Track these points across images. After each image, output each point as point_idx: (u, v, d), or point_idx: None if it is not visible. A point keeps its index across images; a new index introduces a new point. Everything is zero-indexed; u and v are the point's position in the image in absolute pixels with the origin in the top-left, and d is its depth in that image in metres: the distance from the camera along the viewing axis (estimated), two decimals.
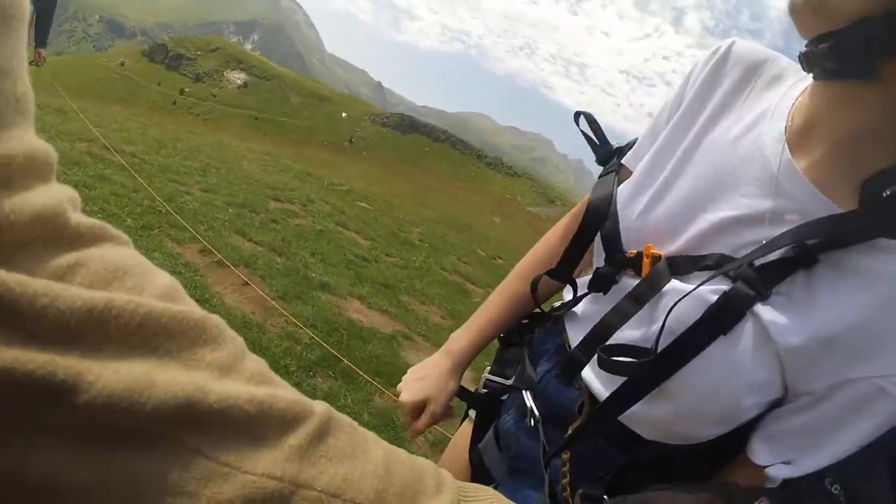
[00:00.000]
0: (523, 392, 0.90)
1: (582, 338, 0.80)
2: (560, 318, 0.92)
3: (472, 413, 1.07)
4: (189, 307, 0.32)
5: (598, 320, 0.78)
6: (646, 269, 0.75)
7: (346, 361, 4.10)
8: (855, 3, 0.54)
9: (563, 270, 0.90)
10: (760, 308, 0.64)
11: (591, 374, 0.79)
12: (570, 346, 0.85)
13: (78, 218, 0.32)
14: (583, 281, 0.88)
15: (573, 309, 0.88)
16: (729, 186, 0.70)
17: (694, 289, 0.67)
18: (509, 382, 1.00)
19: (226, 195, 6.95)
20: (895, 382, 0.59)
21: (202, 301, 3.92)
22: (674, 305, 0.67)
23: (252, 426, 0.31)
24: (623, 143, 0.93)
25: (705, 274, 0.68)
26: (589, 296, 0.86)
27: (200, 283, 4.17)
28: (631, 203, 0.80)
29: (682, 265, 0.72)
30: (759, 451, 0.67)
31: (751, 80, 0.75)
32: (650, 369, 0.68)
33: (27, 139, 0.28)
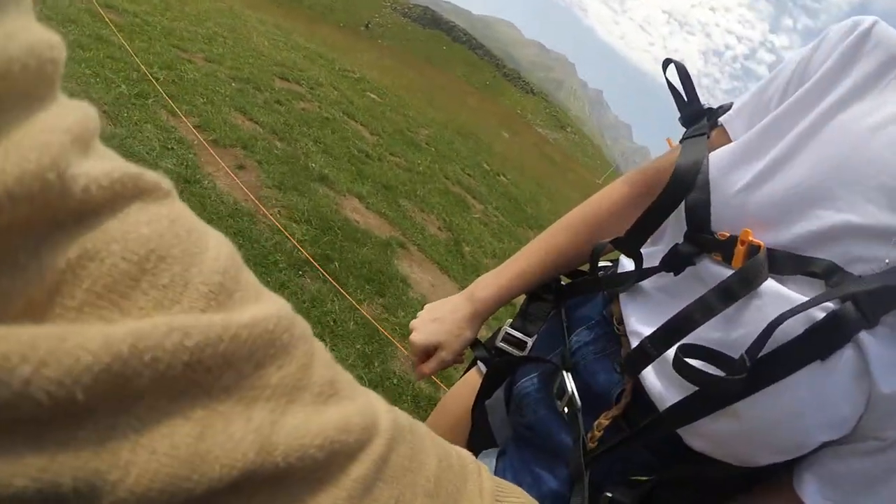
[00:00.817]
0: (563, 372, 0.78)
1: (654, 330, 0.67)
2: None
3: (482, 364, 0.99)
4: (257, 306, 0.25)
5: (667, 306, 0.69)
6: (739, 259, 0.63)
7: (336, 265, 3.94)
8: None
9: (631, 242, 0.77)
10: (865, 337, 0.56)
11: (653, 375, 0.68)
12: (618, 323, 0.76)
13: (89, 169, 0.20)
14: (647, 252, 0.77)
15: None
16: (854, 185, 0.59)
17: (807, 305, 0.56)
18: (529, 340, 0.93)
19: (230, 68, 6.55)
20: None
21: (192, 182, 3.69)
22: (780, 318, 0.56)
23: (319, 470, 0.26)
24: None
25: (807, 280, 0.60)
26: (655, 274, 0.74)
27: (192, 162, 3.92)
28: (729, 175, 0.67)
29: (783, 263, 0.61)
30: (809, 487, 0.61)
31: (893, 69, 0.63)
32: (738, 387, 0.58)
33: (23, 34, 0.18)
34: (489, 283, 0.95)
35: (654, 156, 0.98)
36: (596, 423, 0.72)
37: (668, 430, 0.66)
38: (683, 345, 0.62)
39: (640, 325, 0.72)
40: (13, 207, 0.17)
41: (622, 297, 0.77)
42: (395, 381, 3.05)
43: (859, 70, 0.64)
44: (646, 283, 0.75)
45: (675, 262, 0.71)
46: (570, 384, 0.77)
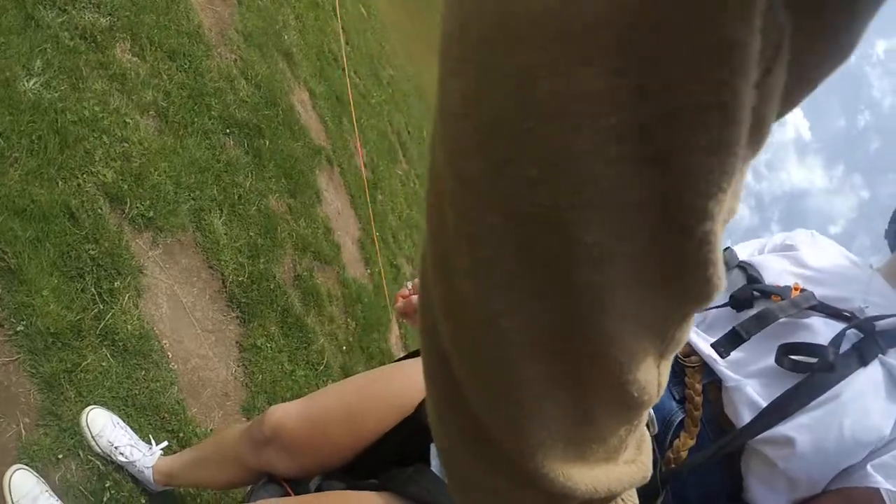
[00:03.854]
0: None
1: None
2: None
3: None
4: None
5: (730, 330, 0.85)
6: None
7: (266, 141, 3.67)
8: None
9: None
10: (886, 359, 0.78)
11: (737, 394, 0.80)
12: (683, 356, 0.87)
13: None
14: None
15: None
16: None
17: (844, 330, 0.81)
18: None
19: None
20: None
21: None
22: (841, 333, 0.79)
23: None
24: None
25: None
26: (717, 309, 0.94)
27: None
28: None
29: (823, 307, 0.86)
30: (875, 478, 0.73)
31: None
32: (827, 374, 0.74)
33: None
34: None
35: None
36: (678, 442, 0.79)
37: (754, 435, 0.75)
38: (783, 345, 0.79)
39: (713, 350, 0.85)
40: None
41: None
42: (272, 285, 2.87)
43: None
44: (712, 313, 0.93)
45: (741, 302, 0.90)
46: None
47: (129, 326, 1.76)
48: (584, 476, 0.28)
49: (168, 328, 2.03)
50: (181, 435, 1.84)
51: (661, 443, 0.78)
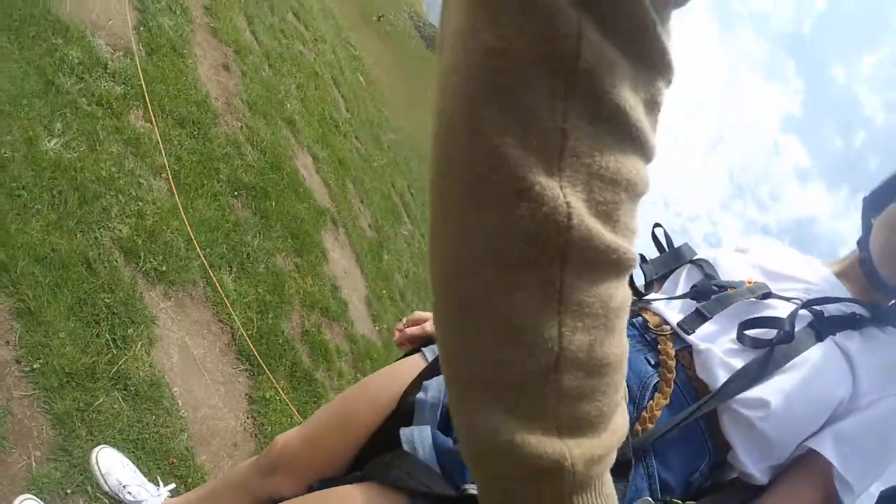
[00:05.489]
0: None
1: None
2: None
3: (428, 351, 0.99)
4: None
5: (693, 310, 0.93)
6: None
7: (273, 203, 3.79)
8: None
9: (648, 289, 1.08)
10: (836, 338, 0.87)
11: (707, 360, 0.86)
12: (654, 326, 0.93)
13: None
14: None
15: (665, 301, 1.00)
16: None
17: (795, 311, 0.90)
18: None
19: None
20: None
21: (177, 52, 3.47)
22: (804, 304, 0.90)
23: None
24: None
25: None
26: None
27: (186, 35, 3.70)
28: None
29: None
30: (825, 443, 0.81)
31: None
32: (787, 339, 0.83)
33: None
34: None
35: None
36: (652, 403, 0.82)
37: (730, 397, 0.80)
38: (743, 321, 0.87)
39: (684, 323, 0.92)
40: None
41: (659, 307, 0.96)
42: (280, 340, 2.91)
43: None
44: (677, 303, 0.98)
45: (702, 293, 0.95)
46: None
47: (140, 373, 1.81)
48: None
49: (179, 377, 2.08)
50: (189, 481, 1.86)
51: (638, 405, 0.82)
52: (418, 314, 1.08)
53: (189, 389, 2.12)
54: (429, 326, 1.03)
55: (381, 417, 0.91)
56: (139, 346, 1.87)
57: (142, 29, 3.17)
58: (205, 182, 3.15)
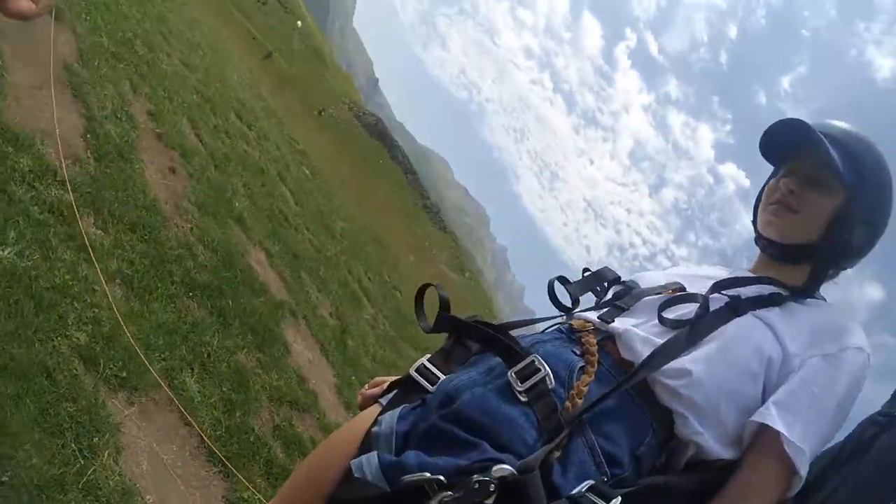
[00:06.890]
0: (535, 356, 0.87)
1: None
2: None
3: (383, 399, 1.01)
4: None
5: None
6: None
7: (229, 301, 3.75)
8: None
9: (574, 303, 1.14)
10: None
11: (630, 341, 0.93)
12: (578, 327, 0.98)
13: None
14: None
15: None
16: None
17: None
18: (442, 377, 0.96)
19: (199, 81, 6.46)
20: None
21: (124, 158, 3.51)
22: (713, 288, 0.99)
23: None
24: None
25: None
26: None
27: (133, 141, 3.75)
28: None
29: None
30: (770, 413, 0.85)
31: None
32: (703, 312, 0.92)
33: None
34: None
35: None
36: (578, 382, 0.86)
37: (655, 370, 0.86)
38: (662, 302, 0.97)
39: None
40: None
41: (583, 314, 1.03)
42: (251, 438, 2.83)
43: None
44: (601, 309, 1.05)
45: (621, 295, 1.05)
46: (544, 366, 0.85)
47: (111, 482, 1.74)
48: None
49: (152, 485, 1.99)
50: None
51: (567, 386, 0.86)
52: (378, 378, 1.10)
53: (163, 497, 2.03)
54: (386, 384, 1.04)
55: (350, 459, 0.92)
56: (106, 454, 1.80)
57: (89, 136, 3.20)
58: (159, 285, 3.12)
